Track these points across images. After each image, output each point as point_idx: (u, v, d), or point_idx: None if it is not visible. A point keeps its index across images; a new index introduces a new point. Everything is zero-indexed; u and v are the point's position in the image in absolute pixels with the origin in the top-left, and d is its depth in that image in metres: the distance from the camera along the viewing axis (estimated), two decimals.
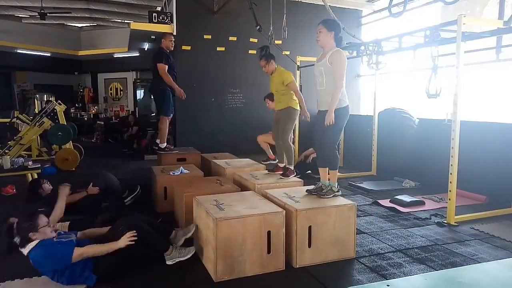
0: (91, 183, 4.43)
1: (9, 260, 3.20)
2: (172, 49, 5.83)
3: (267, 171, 4.71)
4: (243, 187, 4.17)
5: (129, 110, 14.43)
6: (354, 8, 9.60)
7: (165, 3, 9.52)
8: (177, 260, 2.99)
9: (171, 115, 5.79)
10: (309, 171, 6.62)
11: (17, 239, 2.77)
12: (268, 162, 5.41)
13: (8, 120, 8.40)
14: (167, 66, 5.36)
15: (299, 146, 7.26)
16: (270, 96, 5.70)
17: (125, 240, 2.77)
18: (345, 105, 3.31)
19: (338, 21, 3.39)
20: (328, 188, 3.38)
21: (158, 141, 5.88)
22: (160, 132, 5.71)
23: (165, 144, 5.72)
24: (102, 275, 2.77)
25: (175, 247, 3.04)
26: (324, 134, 3.39)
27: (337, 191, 3.40)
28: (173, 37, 5.83)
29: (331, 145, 3.37)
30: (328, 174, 3.49)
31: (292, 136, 5.84)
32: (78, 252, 2.68)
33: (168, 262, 2.98)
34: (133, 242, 2.77)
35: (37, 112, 9.10)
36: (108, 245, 2.77)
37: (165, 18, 8.19)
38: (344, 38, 6.29)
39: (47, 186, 4.33)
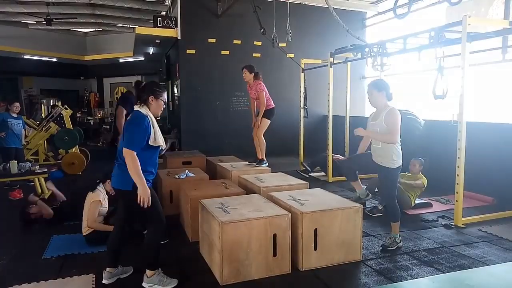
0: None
1: (16, 266, 3.23)
2: None
3: None
4: (248, 190, 4.17)
5: None
6: (358, 10, 9.61)
7: (169, 7, 9.59)
8: (154, 287, 2.76)
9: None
10: (318, 167, 6.61)
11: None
12: (255, 162, 5.42)
13: None
14: (124, 110, 5.18)
15: (305, 149, 7.26)
16: (249, 68, 5.51)
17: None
18: (398, 165, 3.42)
19: (384, 81, 3.57)
20: (392, 240, 3.47)
21: None
22: None
23: None
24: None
25: (159, 272, 2.80)
26: (384, 188, 3.60)
27: (399, 243, 3.48)
28: None
29: (390, 198, 3.47)
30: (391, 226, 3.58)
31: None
32: None
33: (144, 285, 2.77)
34: None
35: (43, 117, 9.19)
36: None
37: (170, 23, 8.25)
38: (348, 40, 6.33)
39: (35, 209, 4.29)
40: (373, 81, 3.57)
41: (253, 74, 5.52)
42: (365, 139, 3.74)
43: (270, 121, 5.51)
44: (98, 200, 3.68)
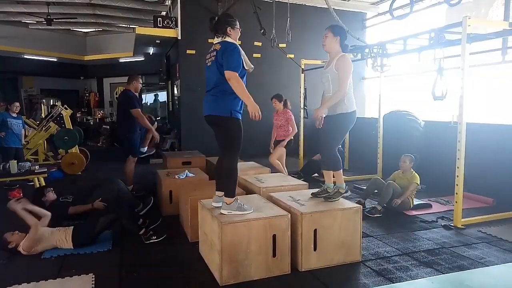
0: (100, 198, 4.36)
1: (16, 266, 3.23)
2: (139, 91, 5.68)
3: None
4: (248, 191, 4.17)
5: None
6: (359, 11, 9.61)
7: (170, 7, 9.60)
8: (233, 213, 2.93)
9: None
10: (316, 174, 6.61)
11: None
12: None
13: None
14: (139, 109, 5.24)
15: (305, 149, 7.25)
16: (278, 97, 5.78)
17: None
18: (351, 110, 3.28)
19: (344, 27, 3.43)
20: (335, 191, 3.34)
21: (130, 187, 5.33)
22: (127, 174, 5.42)
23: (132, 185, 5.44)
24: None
25: (236, 200, 3.00)
26: (326, 137, 3.38)
27: (345, 192, 3.36)
28: (141, 80, 5.61)
29: (332, 148, 3.35)
30: (333, 176, 3.46)
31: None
32: None
33: (223, 211, 2.94)
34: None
35: (43, 116, 9.19)
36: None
37: (170, 23, 8.25)
38: (348, 41, 6.33)
39: (51, 195, 4.31)
40: (332, 24, 3.49)
41: (282, 102, 5.85)
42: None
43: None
44: (29, 239, 3.35)
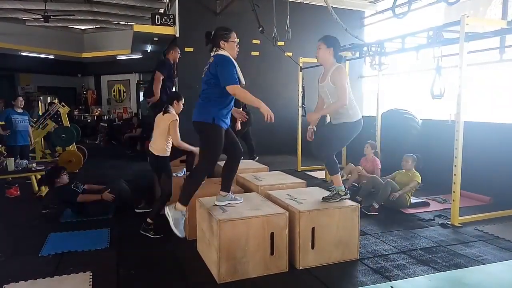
0: (108, 189, 4.54)
1: (13, 263, 3.23)
2: (178, 61, 5.99)
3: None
4: (246, 189, 4.16)
5: (132, 112, 14.46)
6: (357, 9, 9.60)
7: (168, 5, 9.56)
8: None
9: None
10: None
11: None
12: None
13: None
14: (163, 76, 5.44)
15: (303, 148, 7.25)
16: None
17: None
18: (356, 119, 3.24)
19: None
20: (334, 193, 3.31)
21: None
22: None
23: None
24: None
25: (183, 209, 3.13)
26: (328, 142, 3.34)
27: (345, 195, 3.30)
28: (179, 50, 5.88)
29: (330, 153, 3.29)
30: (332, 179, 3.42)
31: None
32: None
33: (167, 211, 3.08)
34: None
35: (41, 114, 9.16)
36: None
37: (168, 20, 8.23)
38: (346, 39, 6.33)
39: (65, 178, 4.64)
40: (325, 35, 3.39)
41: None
42: (319, 104, 3.52)
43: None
44: (176, 120, 4.01)
